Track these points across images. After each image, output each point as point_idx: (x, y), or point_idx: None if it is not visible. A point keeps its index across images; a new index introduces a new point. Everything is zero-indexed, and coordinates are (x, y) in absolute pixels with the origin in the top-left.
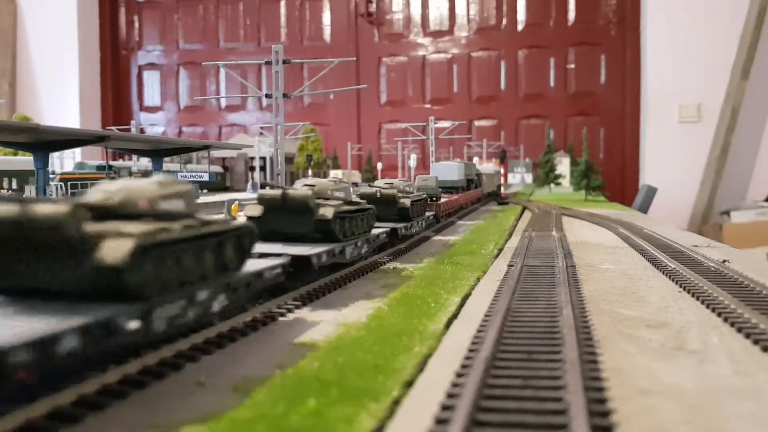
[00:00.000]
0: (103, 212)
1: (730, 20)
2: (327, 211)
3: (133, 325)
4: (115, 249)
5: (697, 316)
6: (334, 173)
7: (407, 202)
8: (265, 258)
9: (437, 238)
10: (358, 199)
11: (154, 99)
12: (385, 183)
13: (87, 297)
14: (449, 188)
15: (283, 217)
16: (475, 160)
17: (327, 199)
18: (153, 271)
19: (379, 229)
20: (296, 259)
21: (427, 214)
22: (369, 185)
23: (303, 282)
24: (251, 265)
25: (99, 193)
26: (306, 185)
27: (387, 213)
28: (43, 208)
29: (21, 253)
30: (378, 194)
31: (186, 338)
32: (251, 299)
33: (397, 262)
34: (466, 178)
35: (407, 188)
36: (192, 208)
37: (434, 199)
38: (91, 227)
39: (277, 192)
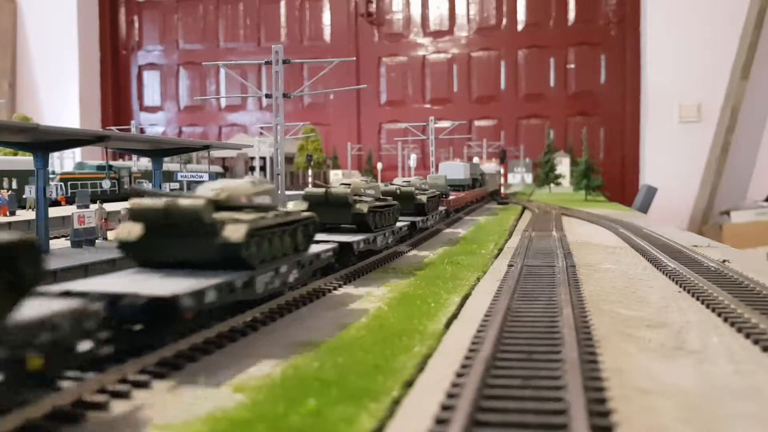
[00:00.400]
0: (215, 205)
1: (730, 20)
2: (363, 207)
3: (243, 285)
4: (235, 231)
5: (697, 316)
6: (334, 173)
7: (424, 198)
8: (319, 244)
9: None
10: (385, 197)
11: (154, 99)
12: (404, 181)
13: (212, 267)
14: (456, 186)
15: (326, 211)
16: (475, 160)
17: (360, 196)
18: (256, 248)
19: (402, 222)
20: (342, 245)
21: (440, 208)
22: (389, 183)
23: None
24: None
25: (209, 191)
26: (343, 184)
27: (406, 208)
28: (185, 202)
29: (169, 235)
30: (398, 191)
31: (186, 338)
32: (310, 275)
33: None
34: (471, 177)
35: (423, 186)
36: (275, 202)
37: (444, 196)
38: (216, 215)
39: (321, 190)
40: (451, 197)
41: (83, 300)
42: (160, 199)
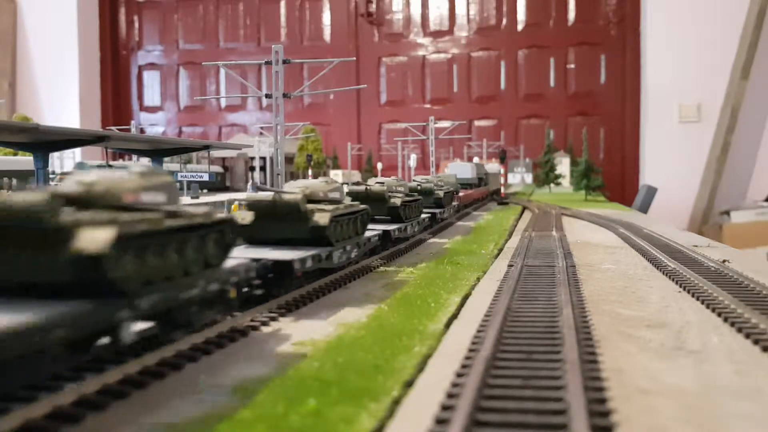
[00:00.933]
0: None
1: (730, 20)
2: (396, 201)
3: (326, 257)
4: (322, 217)
5: (697, 316)
6: (334, 174)
7: (441, 193)
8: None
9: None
10: (411, 193)
11: (154, 99)
12: (422, 179)
13: (303, 244)
14: (465, 184)
15: (366, 204)
16: (475, 160)
17: (393, 192)
18: (334, 230)
19: (425, 214)
20: (384, 233)
21: (453, 203)
22: (411, 180)
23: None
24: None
25: (296, 188)
26: (378, 183)
27: (426, 202)
28: (288, 196)
29: (273, 220)
30: (419, 187)
31: (186, 338)
32: (364, 255)
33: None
34: (477, 176)
35: (439, 183)
36: (342, 197)
37: (456, 192)
38: (308, 206)
39: (362, 187)
40: (461, 194)
41: (245, 260)
42: (268, 194)
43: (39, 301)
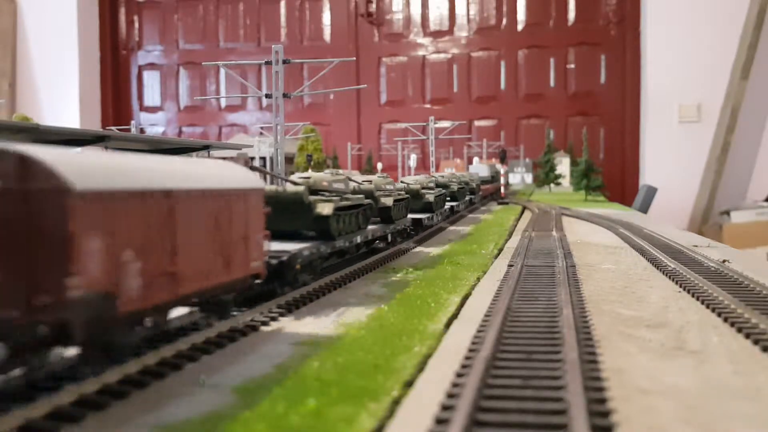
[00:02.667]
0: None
1: (730, 20)
2: (430, 197)
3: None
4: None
5: (697, 316)
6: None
7: (473, 185)
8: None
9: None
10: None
11: (154, 99)
12: (458, 175)
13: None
14: (483, 181)
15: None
16: (475, 160)
17: (425, 188)
18: (437, 201)
19: (452, 203)
20: (415, 221)
21: (468, 197)
22: (441, 176)
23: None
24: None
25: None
26: (403, 182)
27: (463, 192)
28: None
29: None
30: (459, 181)
31: (186, 337)
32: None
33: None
34: (491, 174)
35: (467, 178)
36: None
37: (479, 186)
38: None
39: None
40: (482, 187)
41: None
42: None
43: (299, 240)
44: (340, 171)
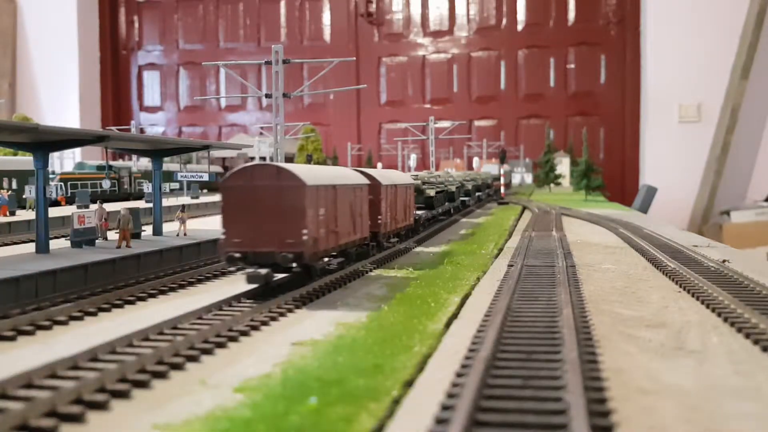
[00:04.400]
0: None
1: (730, 20)
2: (469, 187)
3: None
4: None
5: (697, 316)
6: None
7: (489, 181)
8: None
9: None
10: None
11: (154, 99)
12: (472, 174)
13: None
14: (495, 178)
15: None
16: (475, 160)
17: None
18: (437, 198)
19: (480, 193)
20: (463, 202)
21: (478, 193)
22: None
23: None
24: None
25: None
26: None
27: (482, 187)
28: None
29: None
30: (478, 179)
31: (186, 337)
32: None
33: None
34: (500, 174)
35: (483, 176)
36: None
37: (492, 182)
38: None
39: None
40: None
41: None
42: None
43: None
44: (433, 171)
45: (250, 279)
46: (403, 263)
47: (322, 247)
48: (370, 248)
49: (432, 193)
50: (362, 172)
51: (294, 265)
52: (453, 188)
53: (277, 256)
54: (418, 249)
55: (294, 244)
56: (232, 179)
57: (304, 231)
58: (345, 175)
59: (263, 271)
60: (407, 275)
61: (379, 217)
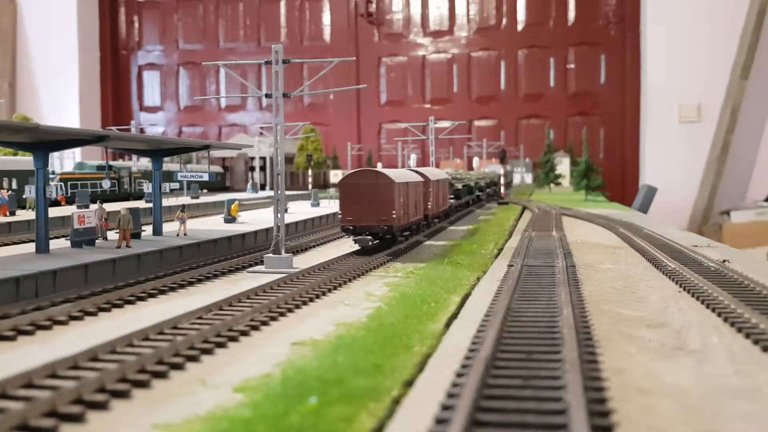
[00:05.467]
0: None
1: (730, 20)
2: (481, 184)
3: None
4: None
5: (697, 316)
6: (334, 174)
7: (497, 179)
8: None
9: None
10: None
11: (154, 99)
12: (481, 174)
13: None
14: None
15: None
16: (475, 160)
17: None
18: (463, 191)
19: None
20: (477, 196)
21: (487, 189)
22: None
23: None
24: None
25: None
26: (447, 173)
27: (491, 184)
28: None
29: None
30: (487, 178)
31: (186, 337)
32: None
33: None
34: (505, 173)
35: (489, 176)
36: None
37: (497, 181)
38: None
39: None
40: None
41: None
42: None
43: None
44: (459, 171)
45: (360, 242)
46: (402, 263)
47: (402, 223)
48: (421, 226)
49: (459, 186)
50: (417, 172)
51: (385, 234)
52: (472, 183)
53: (376, 228)
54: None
55: (386, 220)
56: (346, 179)
57: (393, 212)
58: (410, 174)
59: (367, 237)
60: (407, 275)
61: (429, 203)
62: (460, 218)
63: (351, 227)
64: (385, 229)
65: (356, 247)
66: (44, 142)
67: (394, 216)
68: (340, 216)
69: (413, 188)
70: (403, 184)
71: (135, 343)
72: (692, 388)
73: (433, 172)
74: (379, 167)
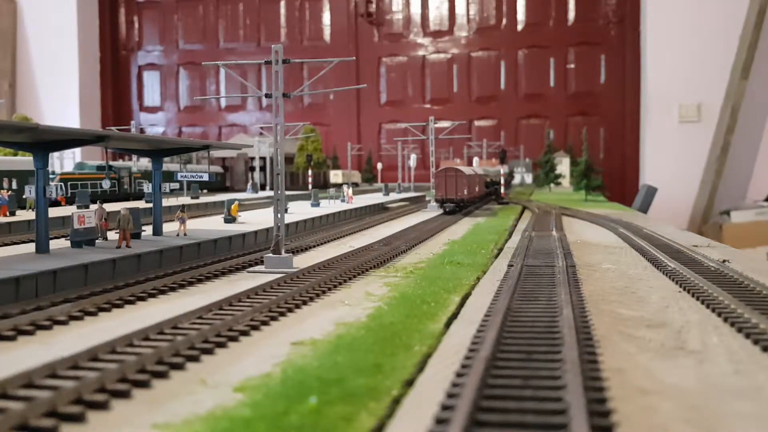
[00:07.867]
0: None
1: (730, 20)
2: (496, 180)
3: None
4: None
5: (697, 316)
6: (334, 174)
7: (499, 178)
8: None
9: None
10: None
11: (154, 99)
12: (485, 172)
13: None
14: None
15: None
16: (475, 160)
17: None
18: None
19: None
20: (493, 190)
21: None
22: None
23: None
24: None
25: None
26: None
27: (495, 182)
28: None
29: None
30: (493, 176)
31: (186, 337)
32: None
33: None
34: (509, 172)
35: (493, 174)
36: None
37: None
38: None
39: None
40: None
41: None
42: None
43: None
44: (489, 168)
45: (446, 209)
46: (403, 263)
47: (467, 198)
48: (475, 201)
49: (487, 180)
50: (473, 169)
51: (459, 203)
52: (491, 179)
53: (455, 200)
54: (418, 249)
55: (460, 195)
56: (439, 172)
57: (465, 190)
58: (472, 170)
59: (450, 205)
60: (408, 275)
61: (476, 188)
62: (484, 204)
63: (441, 198)
64: (459, 200)
65: (358, 244)
66: (44, 142)
67: (465, 193)
68: (434, 191)
69: (472, 179)
70: (469, 176)
71: (135, 342)
72: (692, 388)
73: (477, 170)
74: (379, 168)
